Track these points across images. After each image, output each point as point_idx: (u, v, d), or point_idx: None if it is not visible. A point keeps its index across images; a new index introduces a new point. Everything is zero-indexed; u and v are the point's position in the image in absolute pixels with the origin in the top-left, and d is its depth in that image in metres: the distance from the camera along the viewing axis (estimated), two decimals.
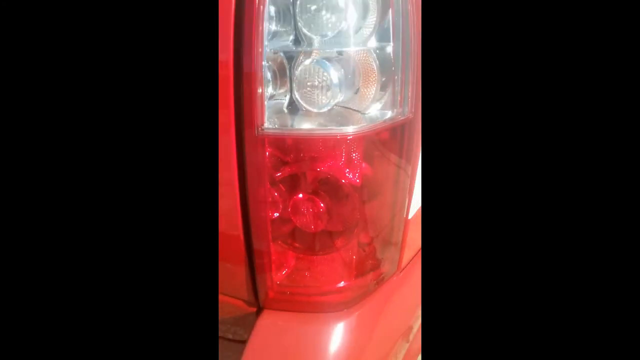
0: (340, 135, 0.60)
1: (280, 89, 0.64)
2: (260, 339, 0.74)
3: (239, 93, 0.60)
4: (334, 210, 0.69)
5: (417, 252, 0.94)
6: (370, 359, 0.81)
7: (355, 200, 0.69)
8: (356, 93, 0.63)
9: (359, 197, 0.69)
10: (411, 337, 1.00)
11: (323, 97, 0.58)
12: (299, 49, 0.59)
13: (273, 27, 0.60)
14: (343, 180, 0.66)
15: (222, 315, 0.85)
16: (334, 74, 0.56)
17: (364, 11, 0.60)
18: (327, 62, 0.56)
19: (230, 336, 0.92)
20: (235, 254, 0.71)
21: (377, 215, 0.75)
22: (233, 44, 0.58)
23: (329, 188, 0.67)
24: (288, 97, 0.64)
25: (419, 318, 1.02)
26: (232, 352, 0.91)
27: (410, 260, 0.91)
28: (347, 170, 0.65)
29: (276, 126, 0.60)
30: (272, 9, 0.59)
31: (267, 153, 0.62)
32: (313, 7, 0.55)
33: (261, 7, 0.56)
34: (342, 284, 0.77)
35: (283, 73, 0.62)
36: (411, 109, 0.67)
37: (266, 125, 0.59)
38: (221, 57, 0.60)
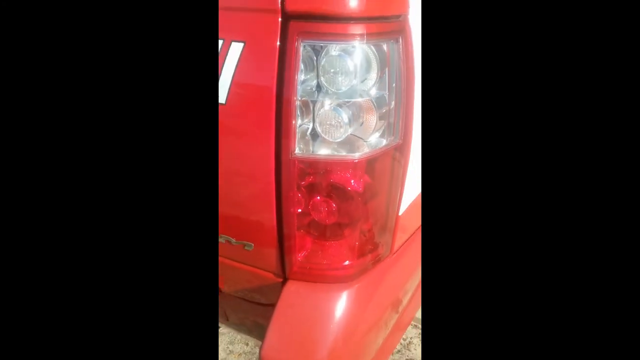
0: (349, 159, 0.82)
1: (305, 119, 0.86)
2: (286, 301, 0.94)
3: (279, 120, 0.81)
4: (342, 208, 0.89)
5: (406, 240, 1.12)
6: (365, 320, 0.99)
7: (359, 202, 0.89)
8: (361, 125, 0.85)
9: (361, 199, 0.89)
10: (400, 309, 1.17)
11: (337, 132, 0.79)
12: (321, 98, 0.80)
13: (302, 77, 0.82)
14: (349, 188, 0.87)
15: (255, 283, 1.08)
16: (345, 117, 0.78)
17: (368, 68, 0.82)
18: (340, 109, 0.78)
19: (262, 301, 1.13)
20: (270, 238, 0.92)
21: (375, 212, 0.94)
22: (275, 89, 0.80)
23: (339, 193, 0.88)
24: (311, 125, 0.85)
25: (407, 293, 1.19)
26: (258, 313, 1.13)
27: (401, 246, 1.10)
28: (353, 180, 0.88)
29: (303, 152, 0.82)
30: (302, 65, 0.81)
31: (296, 168, 0.84)
32: (332, 70, 0.77)
33: (296, 68, 0.78)
34: (346, 262, 0.95)
35: (308, 110, 0.83)
36: (401, 136, 0.88)
37: (297, 151, 0.81)
38: (267, 83, 0.79)
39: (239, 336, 2.08)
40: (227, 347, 2.05)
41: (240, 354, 2.02)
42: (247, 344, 2.06)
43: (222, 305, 1.24)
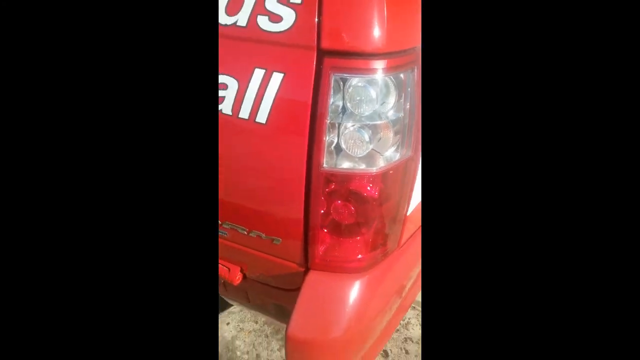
0: (367, 173, 0.97)
1: (330, 134, 0.99)
2: (309, 288, 1.08)
3: (311, 139, 0.94)
4: (359, 211, 1.03)
5: (411, 236, 1.26)
6: (374, 304, 1.14)
7: (374, 205, 1.03)
8: (379, 141, 0.99)
9: (376, 203, 1.03)
10: (403, 293, 1.33)
11: (359, 150, 0.93)
12: (345, 119, 0.93)
13: (330, 101, 0.96)
14: (366, 194, 1.02)
15: (279, 272, 1.22)
16: (367, 136, 0.93)
17: (387, 94, 0.95)
18: (363, 130, 0.92)
19: (285, 287, 1.28)
20: (296, 234, 1.06)
21: (387, 213, 1.08)
22: (310, 113, 0.93)
23: (357, 197, 1.02)
24: (335, 140, 0.98)
25: (410, 280, 1.35)
26: (275, 295, 1.28)
27: (406, 241, 1.24)
28: (370, 187, 1.02)
29: (329, 165, 0.96)
30: (331, 92, 0.95)
31: (323, 178, 0.98)
32: (358, 98, 0.90)
33: (329, 96, 0.91)
34: (360, 256, 1.08)
35: (333, 127, 0.96)
36: (412, 150, 1.02)
37: (324, 165, 0.96)
38: (302, 108, 0.91)
39: (249, 314, 2.23)
40: (238, 325, 2.20)
41: (250, 332, 2.17)
42: (256, 322, 2.21)
43: (245, 288, 1.39)
